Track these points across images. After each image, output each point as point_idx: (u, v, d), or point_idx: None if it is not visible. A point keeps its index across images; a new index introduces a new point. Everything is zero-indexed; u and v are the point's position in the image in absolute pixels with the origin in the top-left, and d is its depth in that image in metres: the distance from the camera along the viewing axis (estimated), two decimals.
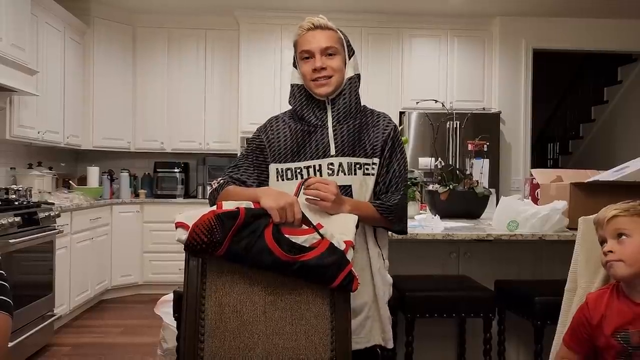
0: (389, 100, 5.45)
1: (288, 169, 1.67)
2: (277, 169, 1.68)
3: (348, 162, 1.66)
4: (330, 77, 1.65)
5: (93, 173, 5.17)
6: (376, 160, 1.69)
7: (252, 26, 5.33)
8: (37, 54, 4.17)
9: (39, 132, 4.22)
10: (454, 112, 4.64)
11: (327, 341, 1.37)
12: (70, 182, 5.08)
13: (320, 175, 1.64)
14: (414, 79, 5.47)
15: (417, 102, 4.13)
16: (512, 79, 5.48)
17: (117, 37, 5.36)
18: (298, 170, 1.66)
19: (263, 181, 1.70)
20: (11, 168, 4.34)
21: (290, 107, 1.78)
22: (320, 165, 1.65)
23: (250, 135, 1.90)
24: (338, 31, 1.71)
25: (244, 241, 1.33)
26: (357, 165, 1.67)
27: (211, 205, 1.59)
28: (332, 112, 1.70)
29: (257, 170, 1.70)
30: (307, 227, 1.39)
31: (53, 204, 3.84)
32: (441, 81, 5.50)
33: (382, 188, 1.70)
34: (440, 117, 4.68)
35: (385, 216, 1.67)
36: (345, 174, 1.65)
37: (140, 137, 5.53)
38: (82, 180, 5.31)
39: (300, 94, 1.72)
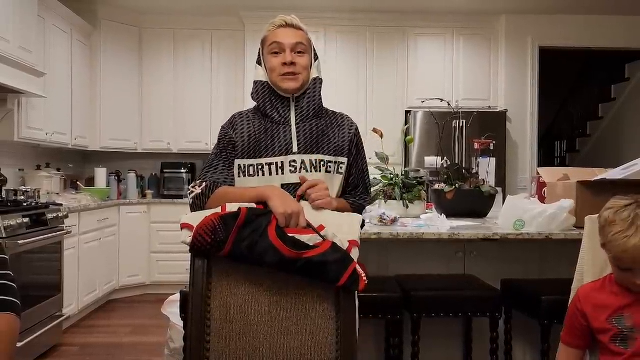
0: (395, 100, 5.44)
1: (250, 165, 1.67)
2: (239, 164, 1.68)
3: (311, 160, 1.67)
4: (298, 74, 1.66)
5: (100, 174, 5.20)
6: (343, 159, 1.71)
7: (257, 26, 5.33)
8: (45, 56, 4.20)
9: (47, 134, 4.25)
10: (460, 110, 4.63)
11: (333, 341, 1.37)
12: (78, 183, 5.11)
13: (282, 173, 1.65)
14: (420, 78, 5.45)
15: (423, 101, 4.12)
16: (519, 77, 5.46)
17: (123, 39, 5.39)
18: (260, 167, 1.66)
19: None
20: (20, 169, 4.38)
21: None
22: (282, 163, 1.65)
23: None
24: (307, 33, 1.73)
25: (247, 240, 1.34)
26: (322, 163, 1.68)
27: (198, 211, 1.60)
28: (296, 110, 1.71)
29: (232, 167, 1.70)
30: (310, 229, 1.40)
31: (61, 204, 3.87)
32: (447, 80, 5.49)
33: (354, 183, 1.77)
34: (446, 116, 4.67)
35: (354, 209, 1.73)
36: (307, 171, 1.66)
37: (146, 137, 5.56)
38: (90, 181, 5.34)
39: (264, 91, 1.72)
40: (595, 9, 5.27)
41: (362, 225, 1.79)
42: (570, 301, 1.76)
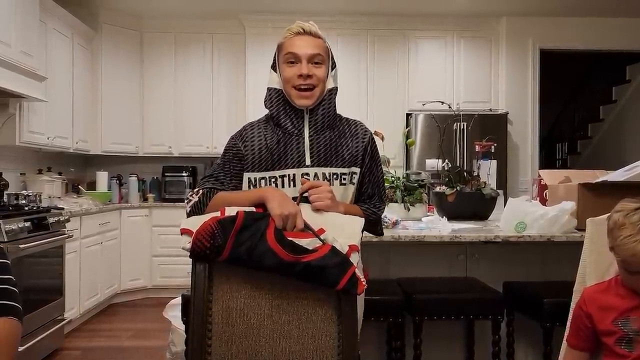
0: (395, 102, 5.45)
1: (262, 177, 1.62)
2: (249, 178, 1.64)
3: (324, 173, 1.63)
4: (313, 87, 1.61)
5: (102, 178, 5.21)
6: (356, 169, 1.68)
7: (257, 29, 5.35)
8: (46, 60, 4.21)
9: (48, 138, 4.25)
10: (461, 113, 4.63)
11: (334, 344, 1.37)
12: (80, 186, 5.12)
13: (294, 185, 1.61)
14: (420, 80, 5.45)
15: (424, 104, 4.12)
16: (519, 79, 5.46)
17: (124, 43, 5.40)
18: (272, 180, 1.62)
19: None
20: (21, 174, 4.38)
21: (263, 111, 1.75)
22: (294, 175, 1.61)
23: None
24: (325, 41, 1.67)
25: (245, 244, 1.34)
26: (334, 176, 1.64)
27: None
28: (310, 121, 1.66)
29: (234, 179, 1.65)
30: (309, 232, 1.39)
31: (62, 208, 3.87)
32: (447, 82, 5.49)
33: (368, 193, 1.73)
34: (447, 118, 4.67)
35: (372, 219, 1.72)
36: None
37: (148, 141, 5.57)
38: (91, 185, 5.35)
39: (278, 99, 1.66)
40: (596, 11, 5.28)
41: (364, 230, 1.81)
42: (573, 303, 1.76)
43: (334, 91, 1.69)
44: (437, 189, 3.14)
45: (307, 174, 1.62)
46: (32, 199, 3.82)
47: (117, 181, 5.37)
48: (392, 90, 5.46)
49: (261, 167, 1.63)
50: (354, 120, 1.77)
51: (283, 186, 1.61)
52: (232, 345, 1.37)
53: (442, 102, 3.77)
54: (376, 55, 5.47)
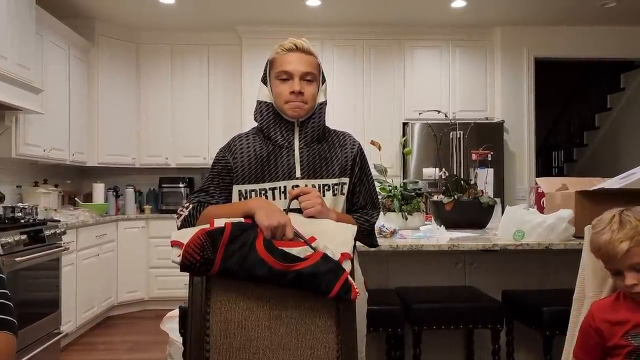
0: (392, 112, 5.46)
1: (252, 190, 1.63)
2: (239, 190, 1.64)
3: (313, 185, 1.63)
4: (305, 102, 1.63)
5: (98, 189, 5.19)
6: (345, 179, 1.68)
7: (254, 41, 5.37)
8: (42, 72, 4.21)
9: (44, 150, 4.24)
10: (457, 122, 4.65)
11: (333, 355, 1.36)
12: (76, 198, 5.10)
13: (285, 198, 1.60)
14: (416, 90, 5.48)
15: (420, 113, 4.13)
16: (515, 88, 5.49)
17: (121, 55, 5.41)
18: (262, 192, 1.62)
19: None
20: (17, 186, 4.37)
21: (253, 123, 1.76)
22: (285, 187, 1.62)
23: None
24: (317, 57, 1.69)
25: (235, 255, 1.32)
26: (326, 187, 1.64)
27: None
28: (300, 134, 1.67)
29: (224, 192, 1.66)
30: (300, 241, 1.38)
31: (59, 221, 3.85)
32: (443, 91, 5.51)
33: (360, 203, 1.73)
34: (444, 127, 4.68)
35: (365, 228, 1.71)
36: None
37: (144, 152, 5.56)
38: (88, 197, 5.33)
39: (269, 112, 1.68)
40: (590, 19, 5.32)
41: (375, 246, 1.80)
42: (573, 311, 1.75)
43: (323, 104, 1.71)
44: (435, 197, 3.14)
45: (298, 186, 1.61)
46: (28, 211, 3.80)
47: (114, 193, 5.35)
48: (388, 100, 5.48)
49: (251, 179, 1.63)
50: (343, 132, 1.78)
51: (274, 198, 1.61)
52: (230, 357, 1.36)
53: (439, 111, 3.79)
54: (372, 65, 5.49)
